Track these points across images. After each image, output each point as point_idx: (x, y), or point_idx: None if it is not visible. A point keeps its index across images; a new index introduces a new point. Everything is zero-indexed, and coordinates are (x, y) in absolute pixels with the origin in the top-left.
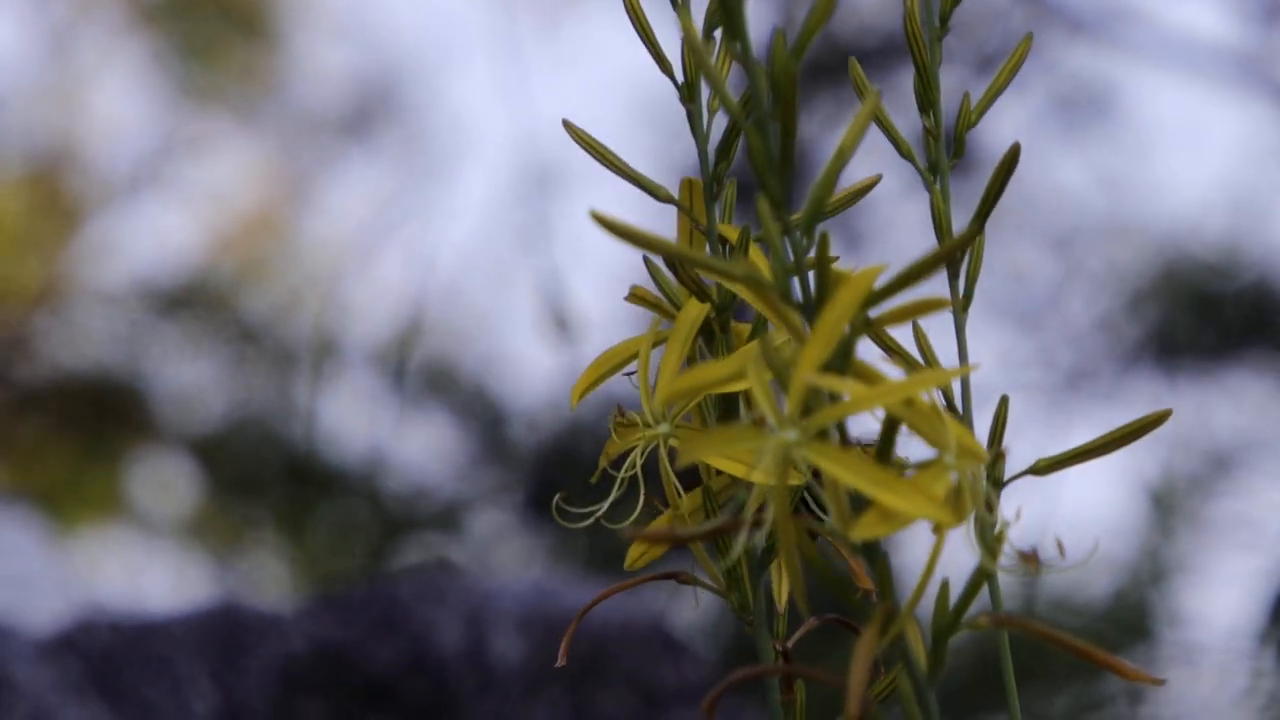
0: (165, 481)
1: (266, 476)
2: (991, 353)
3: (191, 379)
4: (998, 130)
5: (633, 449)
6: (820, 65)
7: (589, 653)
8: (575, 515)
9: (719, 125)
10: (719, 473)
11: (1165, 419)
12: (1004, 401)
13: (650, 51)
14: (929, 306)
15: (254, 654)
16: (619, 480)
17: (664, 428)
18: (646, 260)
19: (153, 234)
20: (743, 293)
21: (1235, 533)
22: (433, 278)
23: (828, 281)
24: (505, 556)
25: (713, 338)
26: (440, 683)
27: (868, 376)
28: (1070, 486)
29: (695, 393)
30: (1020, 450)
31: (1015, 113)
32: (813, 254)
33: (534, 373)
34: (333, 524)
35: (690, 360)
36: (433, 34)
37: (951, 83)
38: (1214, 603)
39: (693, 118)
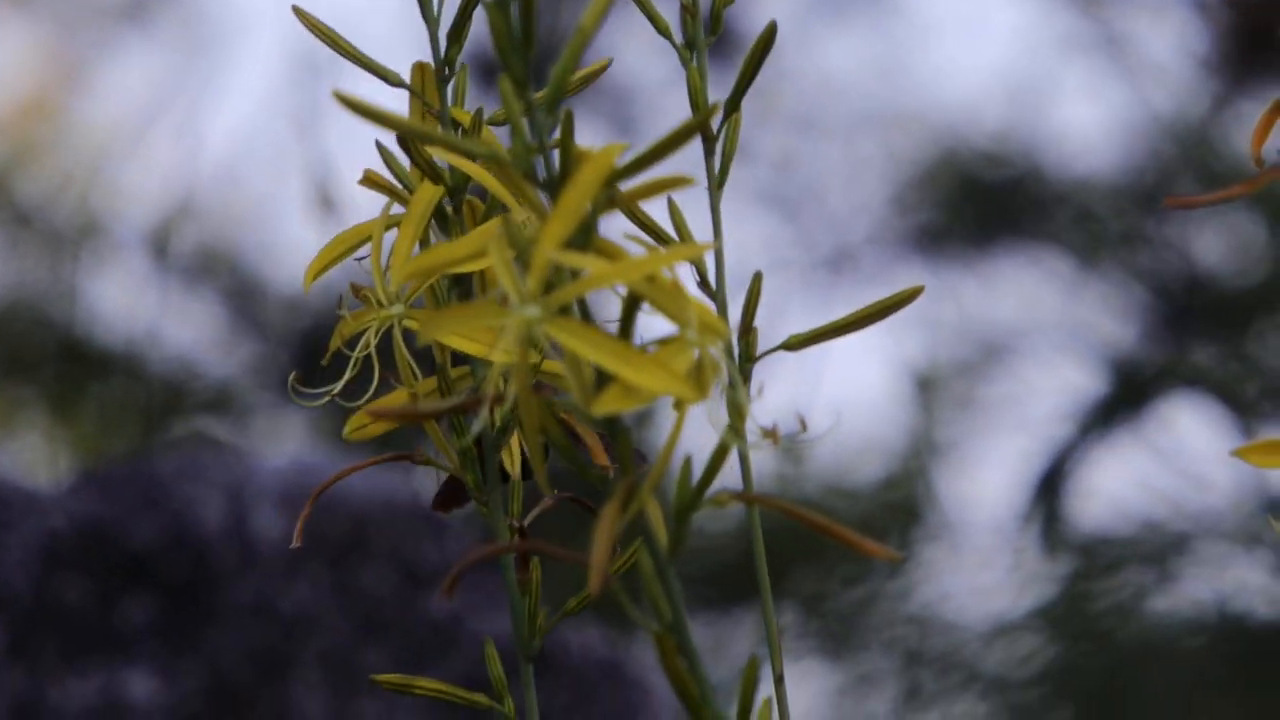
0: None
1: (37, 358)
2: (754, 237)
3: None
4: (764, 12)
5: (366, 330)
6: None
7: (350, 530)
8: (312, 395)
9: (451, 7)
10: (456, 358)
11: (917, 294)
12: (757, 277)
13: None
14: (673, 183)
15: (14, 530)
16: (353, 360)
17: (398, 308)
18: (378, 144)
19: None
20: (480, 173)
21: (1002, 416)
22: (204, 160)
23: (570, 160)
24: (270, 436)
25: (446, 221)
26: (201, 560)
27: (611, 254)
28: (836, 370)
29: (434, 271)
30: (782, 332)
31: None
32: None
33: (302, 255)
34: (102, 405)
35: (423, 243)
36: None
37: None
38: (981, 485)
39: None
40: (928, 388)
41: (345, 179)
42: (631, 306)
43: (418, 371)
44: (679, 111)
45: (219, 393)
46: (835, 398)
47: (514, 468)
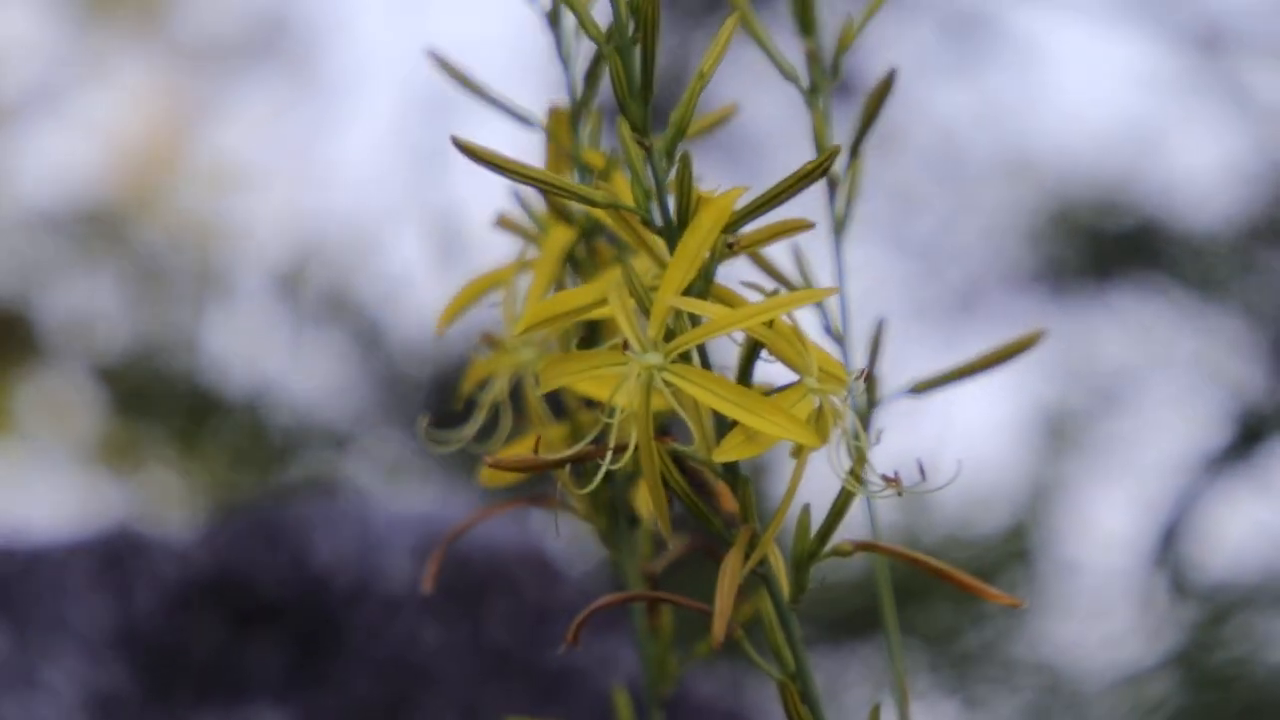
0: (63, 405)
1: (165, 401)
2: (879, 279)
3: (88, 305)
4: (886, 59)
5: (497, 375)
6: None
7: (476, 577)
8: (442, 440)
9: (587, 52)
10: (587, 404)
11: (1040, 339)
12: (881, 324)
13: None
14: (791, 228)
15: (145, 575)
16: (484, 405)
17: (528, 354)
18: (512, 190)
19: (47, 160)
20: (604, 218)
21: (1125, 459)
22: (327, 203)
23: (689, 205)
24: (399, 482)
25: (580, 265)
26: (328, 604)
27: (729, 300)
28: (960, 416)
29: (558, 319)
30: (908, 374)
31: (906, 43)
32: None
33: (426, 298)
34: (228, 448)
35: (559, 286)
36: None
37: (836, 8)
38: (1104, 530)
39: (560, 42)
40: (1052, 431)
41: (468, 221)
42: (751, 353)
43: (547, 415)
44: (798, 158)
45: (344, 436)
46: (959, 441)
47: (647, 519)
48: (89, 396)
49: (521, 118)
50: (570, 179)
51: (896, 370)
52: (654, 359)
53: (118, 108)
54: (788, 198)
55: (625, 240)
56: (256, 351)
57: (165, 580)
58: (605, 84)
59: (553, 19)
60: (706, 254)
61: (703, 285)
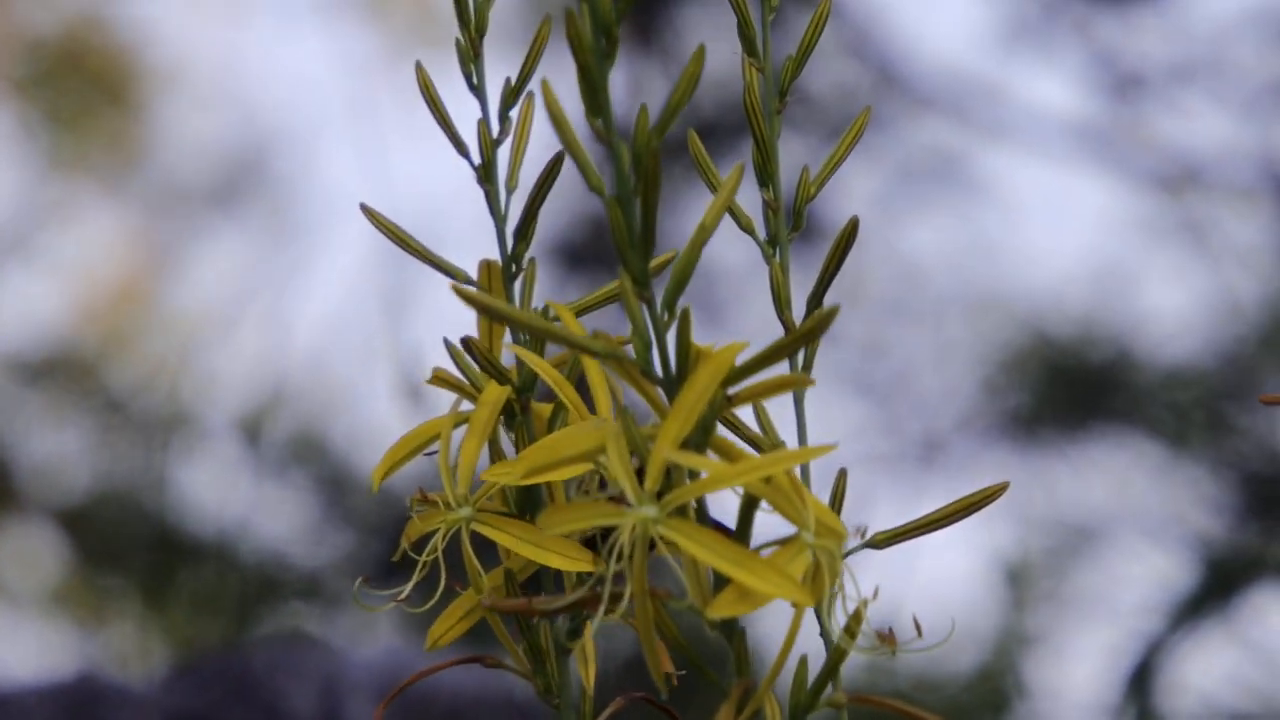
0: (29, 553)
1: (130, 546)
2: (841, 426)
3: (55, 450)
4: (849, 200)
5: (434, 532)
6: (670, 139)
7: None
8: (378, 599)
9: (517, 201)
10: (517, 554)
11: (1002, 491)
12: (842, 475)
13: (445, 132)
14: (790, 384)
15: None
16: (421, 564)
17: (466, 511)
18: (447, 342)
19: (17, 304)
20: (549, 374)
21: (1092, 607)
22: (294, 348)
23: (689, 357)
24: (363, 623)
25: (513, 419)
26: None
27: (727, 453)
28: (926, 562)
29: (553, 467)
30: (870, 523)
31: (869, 183)
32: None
33: (391, 440)
34: (194, 593)
35: (492, 442)
36: (299, 108)
37: (802, 156)
38: (1072, 676)
39: (490, 198)
40: (1017, 578)
41: (429, 365)
42: (749, 507)
43: (481, 572)
44: (762, 294)
45: (310, 582)
46: (925, 589)
47: (588, 674)
48: (53, 542)
49: (451, 274)
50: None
51: (860, 517)
52: (650, 512)
53: (88, 252)
54: (786, 356)
55: (566, 399)
56: (224, 496)
57: None
58: (541, 236)
59: (483, 174)
60: (704, 407)
61: (700, 438)
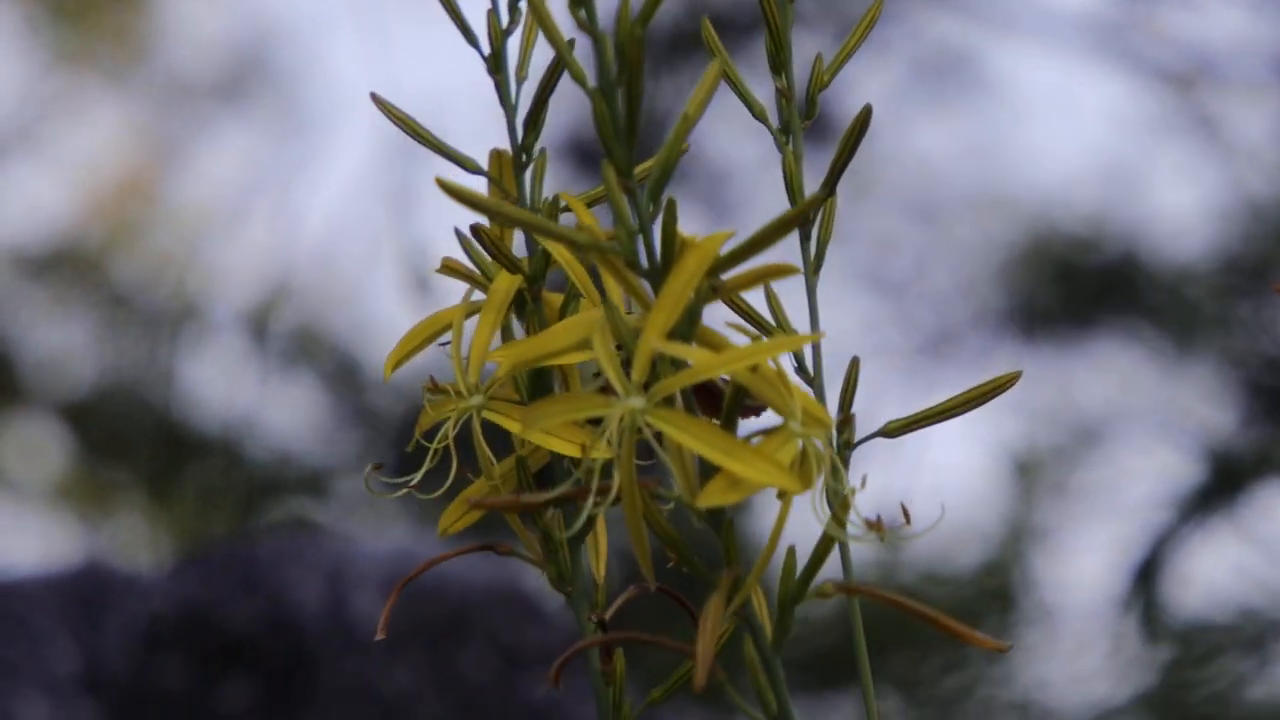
0: (33, 446)
1: (135, 441)
2: (854, 320)
3: (60, 344)
4: (861, 97)
5: (445, 420)
6: (684, 35)
7: (449, 615)
8: (388, 486)
9: (527, 94)
10: (528, 442)
11: (1015, 380)
12: (854, 364)
13: (454, 22)
14: (776, 272)
15: (115, 614)
16: (431, 451)
17: (477, 399)
18: (458, 232)
19: (21, 198)
20: (566, 260)
21: (1098, 501)
22: (300, 242)
23: (673, 248)
24: (371, 520)
25: (524, 308)
26: (300, 643)
27: (714, 344)
28: (934, 456)
29: (539, 361)
30: (881, 417)
31: (881, 80)
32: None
33: (398, 334)
34: (200, 488)
35: (504, 330)
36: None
37: (815, 49)
38: (1079, 570)
39: (500, 88)
40: (1025, 473)
41: (438, 258)
42: (736, 397)
43: (492, 460)
44: (773, 193)
45: (318, 476)
46: (933, 483)
47: (599, 564)
48: (57, 436)
49: (462, 164)
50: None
51: (869, 413)
52: (638, 403)
53: (93, 146)
54: (773, 242)
55: (581, 285)
56: (230, 390)
57: (134, 619)
58: (551, 128)
59: (493, 64)
60: (691, 297)
61: (687, 328)
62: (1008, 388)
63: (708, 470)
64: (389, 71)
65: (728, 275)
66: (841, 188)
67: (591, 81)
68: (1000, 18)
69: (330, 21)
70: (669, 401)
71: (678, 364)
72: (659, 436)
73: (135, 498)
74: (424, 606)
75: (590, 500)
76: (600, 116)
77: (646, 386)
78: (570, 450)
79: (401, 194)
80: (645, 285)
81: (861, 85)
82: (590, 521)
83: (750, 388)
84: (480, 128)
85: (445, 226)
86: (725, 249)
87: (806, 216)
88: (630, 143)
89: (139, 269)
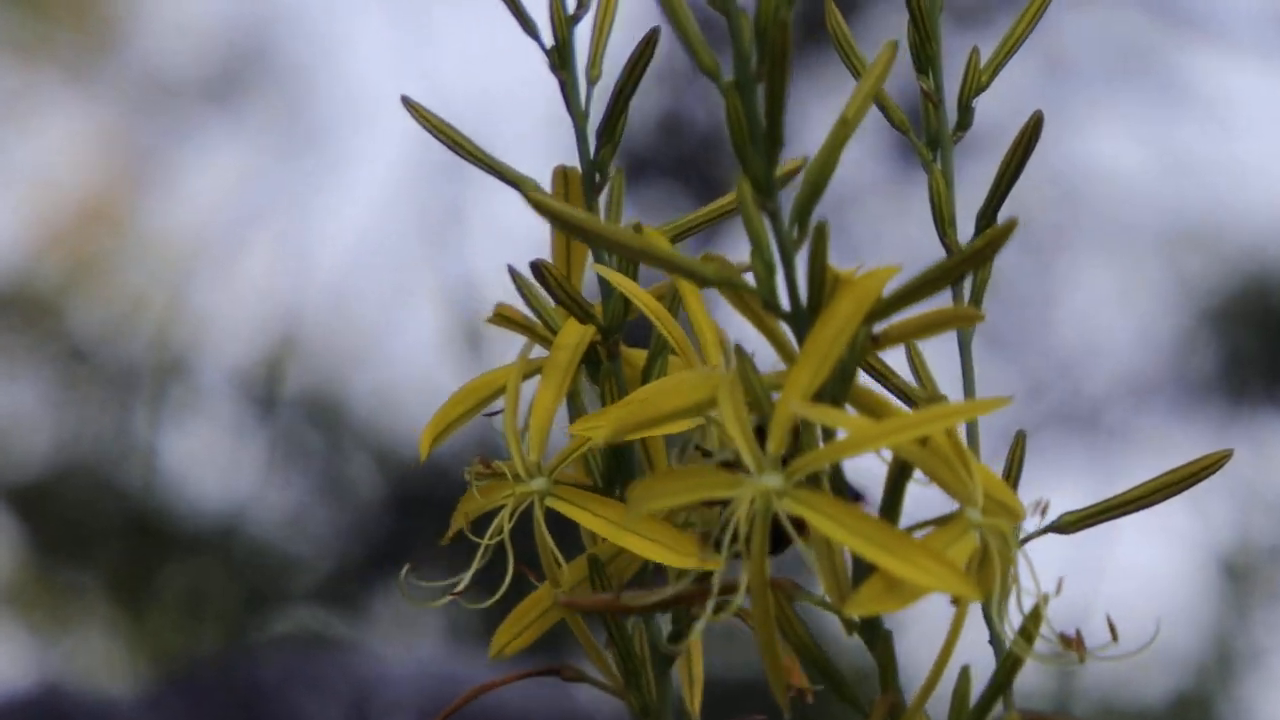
0: None
1: (101, 533)
2: (995, 384)
3: (6, 409)
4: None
5: (499, 509)
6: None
7: None
8: (426, 592)
9: (601, 99)
10: (605, 539)
11: (1224, 461)
12: (1019, 439)
13: (510, 7)
14: (955, 319)
15: None
16: (482, 548)
17: (540, 483)
18: (512, 271)
19: None
20: (654, 308)
21: None
22: (311, 283)
23: (824, 285)
24: (397, 632)
25: (598, 368)
26: None
27: (872, 408)
28: (1121, 557)
29: (649, 424)
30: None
31: (1031, 85)
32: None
33: (437, 397)
34: (184, 593)
35: (571, 399)
36: None
37: (952, 41)
38: None
39: (566, 89)
40: (1235, 577)
41: (490, 301)
42: (900, 477)
43: (560, 561)
44: (893, 221)
45: (334, 580)
46: (1116, 591)
47: (693, 692)
48: (3, 526)
49: (518, 185)
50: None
51: (1029, 500)
52: (774, 482)
53: (51, 159)
54: (946, 284)
55: (660, 339)
56: (223, 471)
57: None
58: (629, 138)
59: (557, 59)
60: (844, 348)
61: (839, 388)
62: (1215, 470)
63: (861, 570)
64: (424, 68)
65: (890, 322)
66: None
67: (726, 74)
68: (1190, 10)
69: (350, 4)
70: (813, 481)
71: (826, 434)
72: (799, 525)
73: (101, 605)
74: None
75: (710, 604)
76: (734, 118)
77: (785, 461)
78: (668, 558)
79: (441, 221)
80: (787, 331)
81: (1006, 88)
82: (679, 639)
83: (920, 465)
84: (538, 139)
85: (497, 262)
86: (888, 289)
87: (1001, 245)
88: (772, 151)
89: (107, 315)
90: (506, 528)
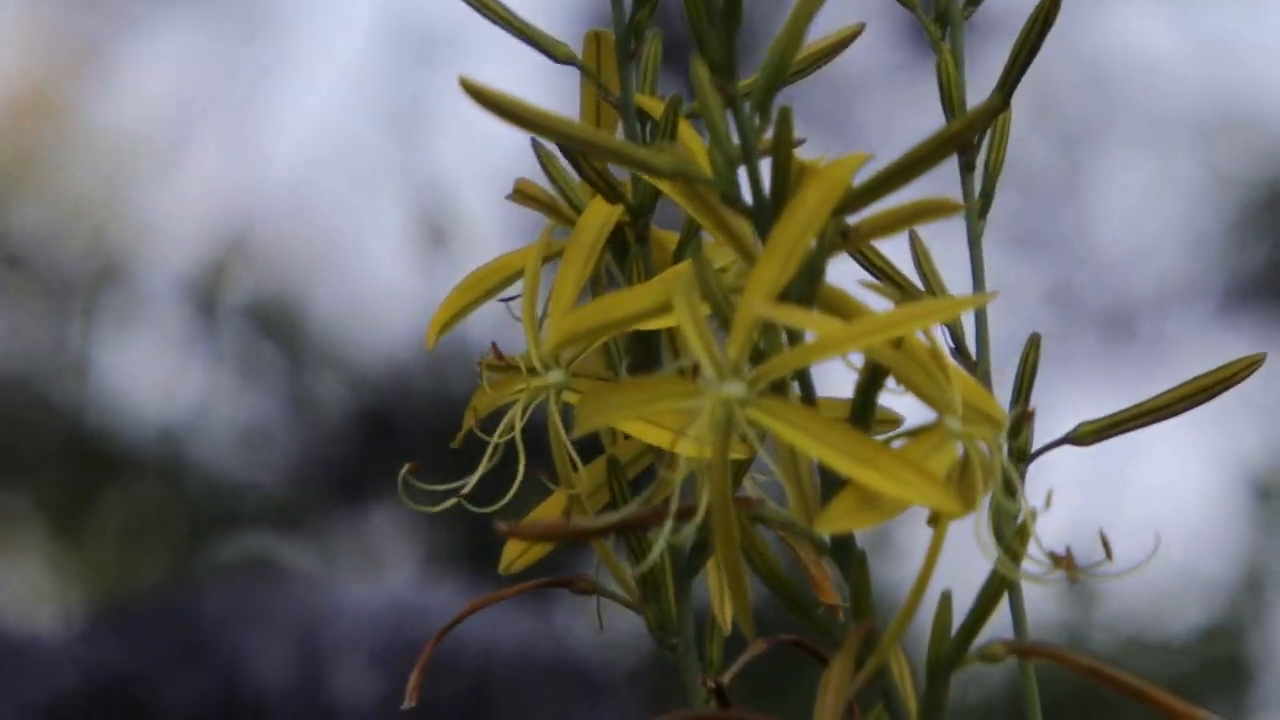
0: None
1: (34, 453)
2: (1019, 287)
3: None
4: None
5: (511, 404)
6: None
7: (470, 691)
8: (432, 496)
9: None
10: (629, 438)
11: (1255, 366)
12: (1034, 342)
13: None
14: (933, 210)
15: (12, 688)
16: (491, 447)
17: (556, 375)
18: (535, 145)
19: None
20: (668, 190)
21: None
22: (265, 181)
23: (789, 176)
24: (353, 557)
25: (626, 252)
26: None
27: (842, 308)
28: (1142, 475)
29: (602, 331)
30: (1061, 420)
31: None
32: (769, 136)
33: (401, 308)
34: (124, 519)
35: (595, 282)
36: None
37: None
38: None
39: None
40: (1268, 499)
41: (461, 202)
42: (872, 383)
43: (579, 464)
44: (916, 112)
45: (284, 500)
46: (1140, 512)
47: (722, 610)
48: None
49: (550, 51)
50: (617, 137)
51: (1048, 415)
52: (736, 389)
53: None
54: (924, 170)
55: (694, 222)
56: (167, 387)
57: (34, 695)
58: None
59: None
60: (812, 244)
61: (806, 287)
62: (1245, 376)
63: (832, 483)
64: None
65: (862, 215)
66: (1016, 103)
67: None
68: None
69: None
70: (779, 388)
71: (793, 337)
72: (765, 437)
73: (35, 533)
74: (439, 679)
75: (667, 526)
76: None
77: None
78: (660, 439)
79: (408, 114)
80: (749, 228)
81: None
82: (704, 549)
83: (892, 369)
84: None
85: (470, 159)
86: (859, 179)
87: (972, 134)
88: (731, 30)
89: (42, 217)
90: (519, 425)
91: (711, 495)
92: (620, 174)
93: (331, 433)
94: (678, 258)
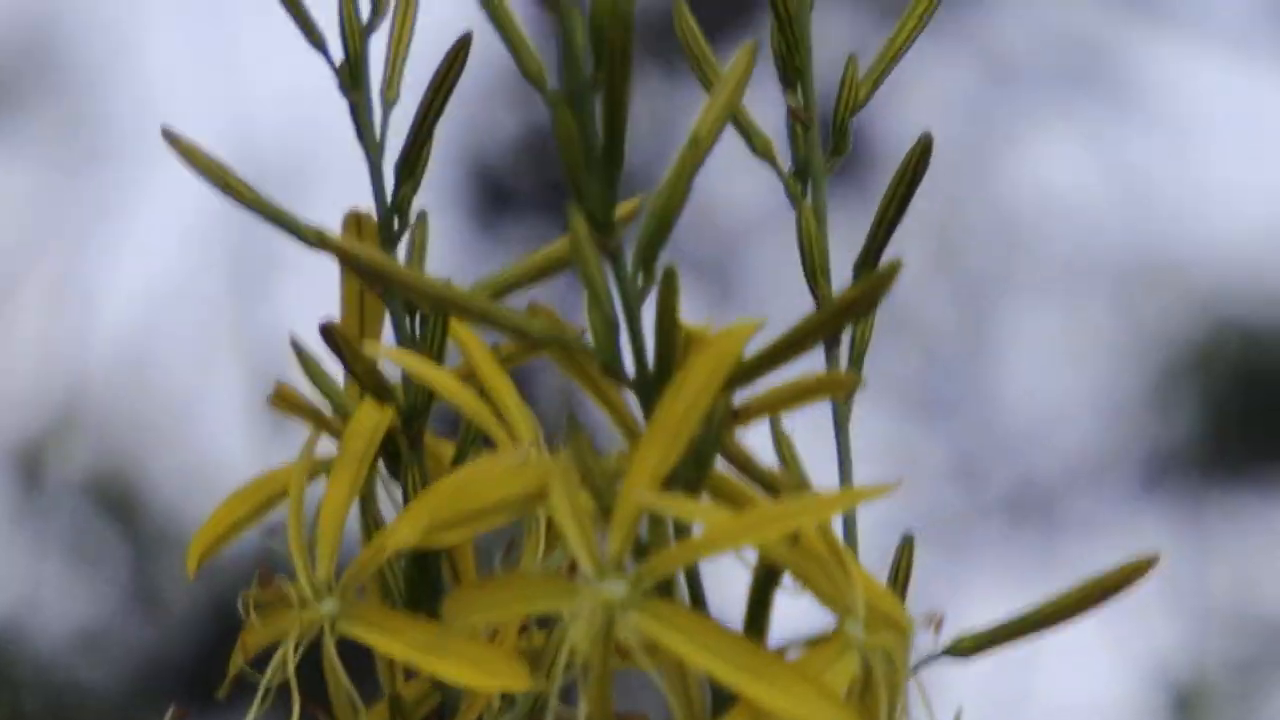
0: None
1: None
2: (903, 466)
3: None
4: (924, 118)
5: (282, 639)
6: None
7: None
8: None
9: (400, 124)
10: (412, 676)
11: (1151, 567)
12: (908, 542)
13: (289, 10)
14: (829, 386)
15: None
16: (261, 688)
17: (329, 605)
18: (294, 345)
19: None
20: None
21: None
22: (96, 335)
23: (674, 346)
24: None
25: (399, 461)
26: None
27: (732, 497)
28: (1046, 680)
29: (467, 520)
30: (969, 613)
31: (955, 91)
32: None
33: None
34: None
35: (364, 500)
36: None
37: (845, 47)
38: None
39: (358, 113)
40: (1190, 708)
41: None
42: (766, 584)
43: (358, 703)
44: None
45: (122, 706)
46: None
47: None
48: None
49: (299, 234)
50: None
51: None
52: (617, 590)
53: None
54: (821, 339)
55: (471, 425)
56: None
57: None
58: (433, 173)
59: (347, 77)
60: (701, 423)
61: (693, 472)
62: (1140, 579)
63: (722, 698)
64: (232, 72)
65: (754, 393)
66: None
67: (553, 82)
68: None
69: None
70: (665, 589)
71: (679, 529)
72: (649, 645)
73: None
74: None
75: None
76: (566, 137)
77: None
78: (488, 684)
79: (251, 267)
80: (630, 401)
81: (923, 93)
82: None
83: (789, 567)
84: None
85: (314, 309)
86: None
87: (882, 294)
88: (611, 177)
89: None
90: (291, 664)
91: (589, 710)
92: (391, 373)
93: (177, 628)
94: (455, 463)
